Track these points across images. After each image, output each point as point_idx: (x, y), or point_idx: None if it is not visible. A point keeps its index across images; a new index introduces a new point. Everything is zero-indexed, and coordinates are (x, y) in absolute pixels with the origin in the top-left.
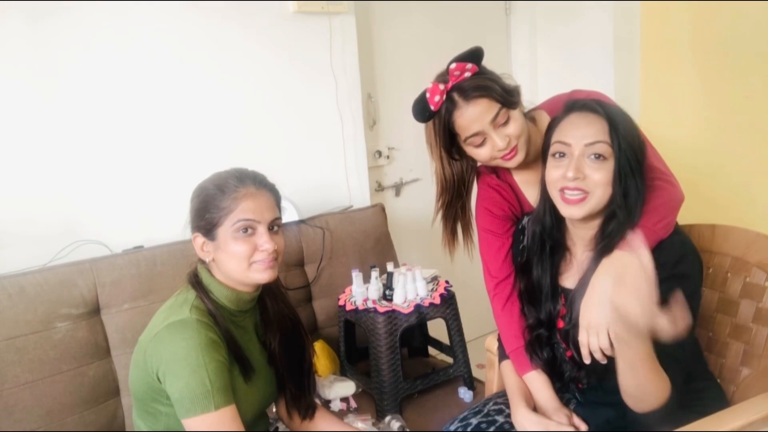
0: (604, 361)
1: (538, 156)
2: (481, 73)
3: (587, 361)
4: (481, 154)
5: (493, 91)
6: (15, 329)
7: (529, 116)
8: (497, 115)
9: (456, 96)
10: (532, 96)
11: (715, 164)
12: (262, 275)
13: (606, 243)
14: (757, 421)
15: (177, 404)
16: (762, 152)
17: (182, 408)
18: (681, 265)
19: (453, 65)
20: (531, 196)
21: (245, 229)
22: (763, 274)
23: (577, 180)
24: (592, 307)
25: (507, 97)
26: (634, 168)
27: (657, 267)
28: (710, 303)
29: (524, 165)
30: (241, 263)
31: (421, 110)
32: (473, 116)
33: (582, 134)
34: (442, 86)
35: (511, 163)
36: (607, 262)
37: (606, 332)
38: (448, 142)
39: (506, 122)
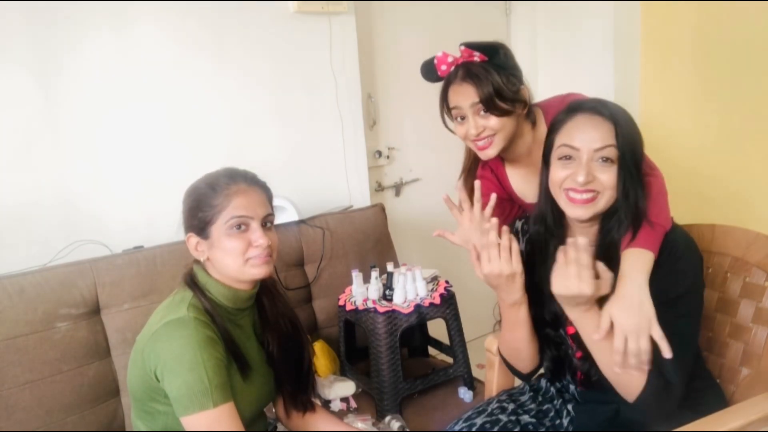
0: (646, 367)
1: (530, 151)
2: (491, 65)
3: (618, 369)
4: (458, 130)
5: (482, 87)
6: (15, 329)
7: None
8: (476, 104)
9: (459, 71)
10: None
11: (715, 164)
12: (258, 270)
13: (609, 239)
14: (757, 421)
15: (175, 402)
16: (762, 152)
17: (180, 406)
18: (681, 261)
19: (462, 47)
20: (518, 187)
21: (239, 226)
22: (763, 274)
23: (588, 183)
24: (629, 310)
25: (491, 100)
26: (637, 167)
27: (660, 262)
28: (710, 303)
29: (515, 157)
30: (237, 259)
31: (428, 72)
32: (458, 94)
33: (590, 138)
34: (450, 58)
35: (482, 154)
36: (631, 262)
37: (647, 335)
38: (446, 108)
39: (487, 114)
